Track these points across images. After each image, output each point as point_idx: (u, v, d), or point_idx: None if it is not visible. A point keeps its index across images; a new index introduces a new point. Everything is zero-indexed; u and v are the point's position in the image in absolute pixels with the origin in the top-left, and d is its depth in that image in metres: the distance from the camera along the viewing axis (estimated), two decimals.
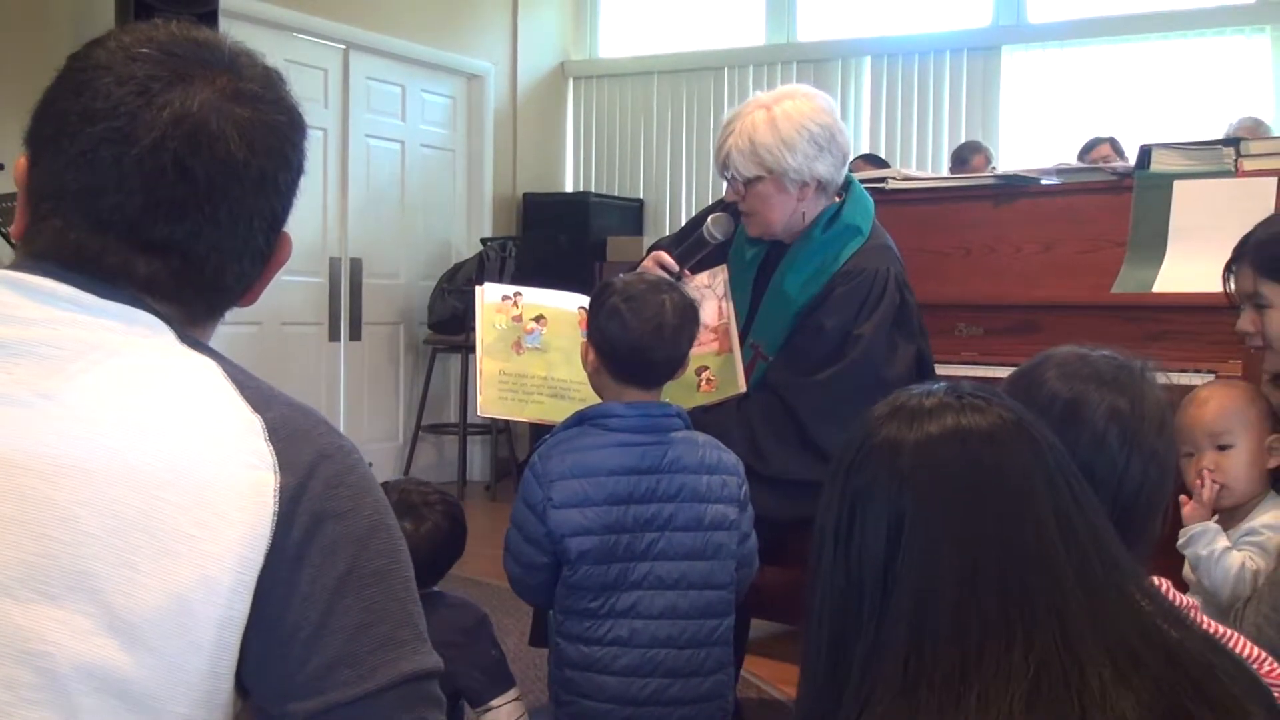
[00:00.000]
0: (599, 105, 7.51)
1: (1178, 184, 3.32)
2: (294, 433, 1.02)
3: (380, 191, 6.41)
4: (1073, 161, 4.65)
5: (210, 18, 4.65)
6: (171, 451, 0.96)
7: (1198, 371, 2.98)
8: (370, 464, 1.08)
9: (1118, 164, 3.86)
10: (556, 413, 2.49)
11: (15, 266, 1.04)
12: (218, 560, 0.95)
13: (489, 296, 2.69)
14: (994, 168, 5.25)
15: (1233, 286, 2.22)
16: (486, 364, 2.62)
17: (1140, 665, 0.99)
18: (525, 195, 7.18)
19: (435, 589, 2.21)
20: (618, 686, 2.12)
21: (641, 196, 7.34)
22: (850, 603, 1.05)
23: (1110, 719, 0.95)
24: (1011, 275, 3.59)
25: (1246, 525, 2.13)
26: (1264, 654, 1.30)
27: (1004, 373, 3.20)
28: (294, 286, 5.80)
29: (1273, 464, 2.16)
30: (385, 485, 2.22)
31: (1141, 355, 1.54)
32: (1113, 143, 5.34)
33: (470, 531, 2.29)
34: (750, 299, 2.75)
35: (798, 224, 2.70)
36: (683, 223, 7.12)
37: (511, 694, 2.19)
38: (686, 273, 2.73)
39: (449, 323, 6.36)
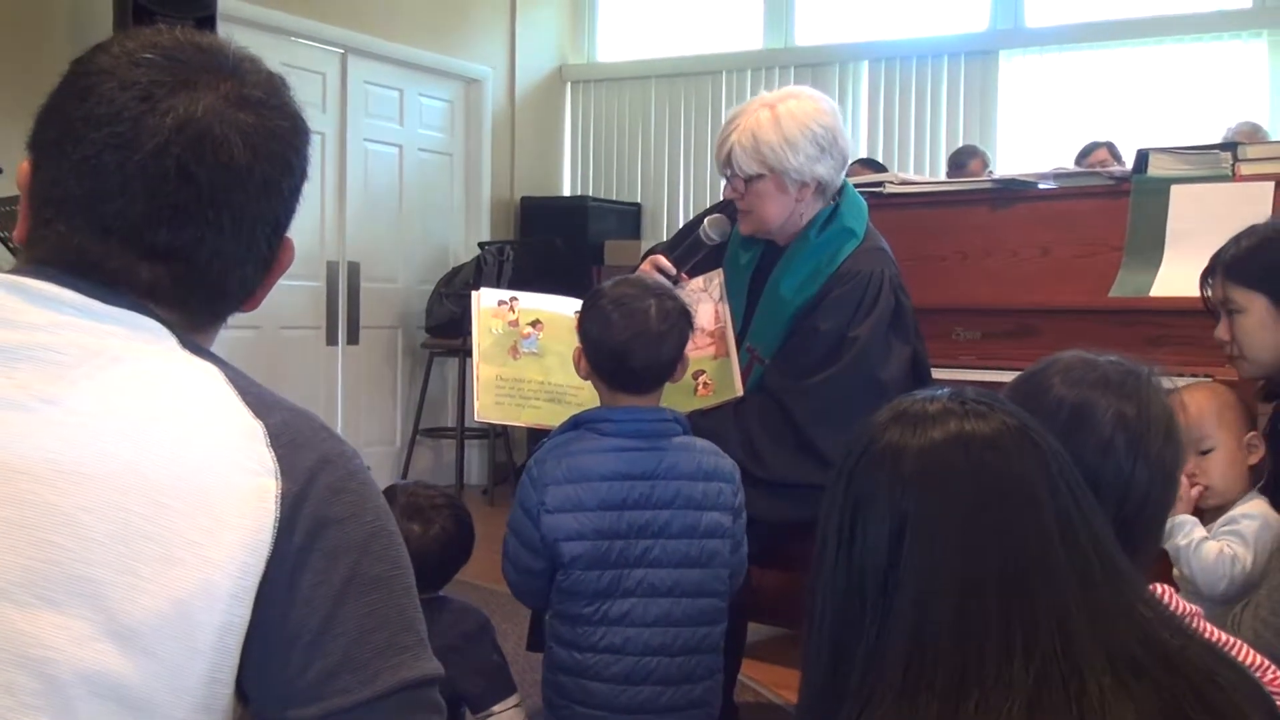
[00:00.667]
0: (597, 109, 7.51)
1: (1175, 188, 3.32)
2: (296, 439, 1.02)
3: (378, 196, 6.41)
4: (1070, 166, 4.66)
5: (208, 22, 4.65)
6: (173, 457, 0.96)
7: (1194, 376, 2.98)
8: (369, 468, 1.08)
9: (1115, 168, 3.86)
10: (554, 417, 2.49)
11: (18, 271, 1.04)
12: (219, 566, 0.95)
13: (485, 301, 2.69)
14: (991, 172, 5.25)
15: (1210, 295, 2.26)
16: (483, 369, 2.62)
17: (1140, 673, 0.99)
18: (523, 199, 7.18)
19: (440, 593, 2.21)
20: (610, 694, 2.12)
21: (639, 200, 7.34)
22: (852, 606, 1.05)
23: None
24: (1009, 279, 3.59)
25: (1225, 515, 2.15)
26: (1266, 662, 1.29)
27: (1001, 377, 3.20)
28: (292, 290, 5.80)
29: (1253, 461, 2.18)
30: (392, 488, 2.23)
31: (1145, 360, 1.54)
32: (1110, 147, 5.34)
33: None
34: (746, 303, 2.75)
35: (794, 225, 2.70)
36: (680, 227, 7.13)
37: (512, 700, 2.19)
38: (683, 275, 2.74)
39: (447, 327, 6.36)
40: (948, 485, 1.04)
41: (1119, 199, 3.44)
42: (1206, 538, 2.10)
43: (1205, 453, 2.16)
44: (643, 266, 2.78)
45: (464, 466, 6.45)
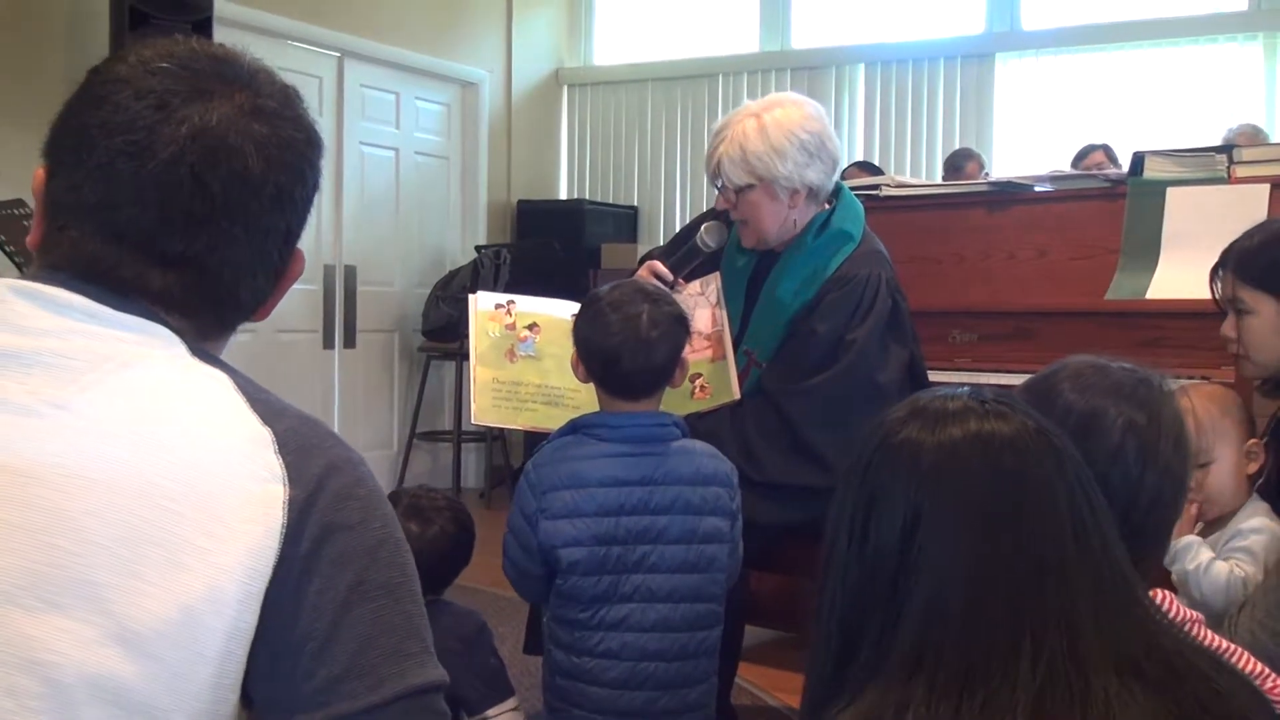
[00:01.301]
0: (593, 112, 7.51)
1: (1171, 191, 3.33)
2: (304, 445, 1.02)
3: (375, 199, 6.41)
4: (1066, 169, 4.66)
5: (205, 25, 4.65)
6: (182, 463, 0.97)
7: (1191, 378, 2.98)
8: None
9: (1111, 171, 3.87)
10: (551, 420, 2.49)
11: (31, 277, 1.05)
12: (226, 571, 0.95)
13: (482, 304, 2.69)
14: (988, 175, 5.25)
15: (1218, 292, 2.24)
16: (480, 372, 2.62)
17: (1145, 680, 0.99)
18: (520, 202, 7.18)
19: (441, 597, 2.21)
20: (607, 698, 2.12)
21: (636, 204, 7.35)
22: (862, 599, 1.05)
23: None
24: (1005, 282, 3.59)
25: (1232, 529, 2.13)
26: (1265, 669, 1.29)
27: (999, 379, 3.20)
28: (289, 294, 5.64)
29: (1251, 469, 2.16)
30: (397, 492, 2.22)
31: (1156, 368, 1.54)
32: (1106, 150, 5.34)
33: None
34: (743, 306, 2.75)
35: (789, 231, 2.70)
36: (677, 230, 7.14)
37: (509, 704, 2.19)
38: (680, 281, 2.74)
39: (443, 330, 6.36)
40: (964, 483, 1.04)
41: (1115, 201, 3.45)
42: (1214, 558, 2.08)
43: (1204, 465, 2.13)
44: (640, 272, 2.78)
45: (461, 470, 6.44)
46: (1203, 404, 2.19)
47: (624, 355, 2.14)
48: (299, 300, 5.91)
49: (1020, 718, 0.95)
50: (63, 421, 0.96)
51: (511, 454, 6.60)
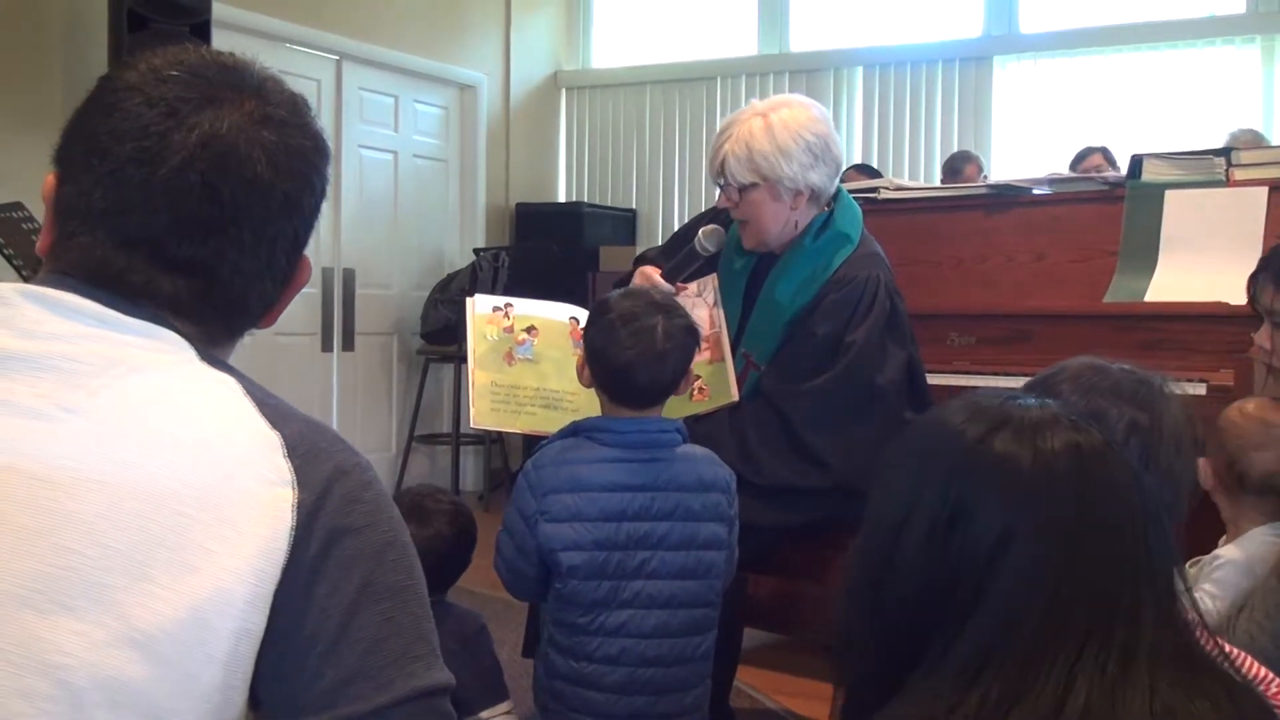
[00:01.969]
0: (592, 115, 7.52)
1: (1169, 194, 3.33)
2: (312, 449, 1.03)
3: (373, 202, 6.41)
4: (1065, 171, 4.67)
5: (203, 29, 4.65)
6: (191, 466, 0.97)
7: (1189, 381, 2.98)
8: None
9: (1109, 174, 3.87)
10: (550, 424, 2.48)
11: (40, 282, 1.06)
12: (235, 574, 0.96)
13: (480, 308, 2.69)
14: (986, 177, 5.26)
15: (1256, 297, 2.19)
16: (478, 375, 2.62)
17: (1193, 694, 0.99)
18: (518, 205, 7.18)
19: (444, 598, 2.21)
20: (606, 703, 2.12)
21: (634, 206, 7.35)
22: (935, 606, 1.03)
23: None
24: (1004, 285, 3.59)
25: (1208, 557, 2.11)
26: (1268, 673, 1.29)
27: (997, 382, 3.21)
28: None
29: None
30: (404, 491, 2.22)
31: (1157, 370, 1.53)
32: (1105, 153, 5.35)
33: None
34: (741, 308, 2.75)
35: (789, 233, 2.71)
36: (675, 231, 7.13)
37: (503, 707, 2.18)
38: (678, 284, 2.74)
39: (442, 333, 6.36)
40: (1060, 499, 1.02)
41: (1113, 204, 3.45)
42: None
43: None
44: (636, 277, 2.78)
45: (459, 472, 6.44)
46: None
47: (638, 369, 2.15)
48: (298, 303, 5.82)
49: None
50: (73, 425, 0.97)
51: (510, 457, 6.60)
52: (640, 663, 2.12)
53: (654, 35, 7.41)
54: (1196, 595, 2.02)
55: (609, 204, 7.32)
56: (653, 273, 2.76)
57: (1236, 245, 3.14)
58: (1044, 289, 3.51)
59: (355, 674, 0.99)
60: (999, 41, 6.34)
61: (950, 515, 1.03)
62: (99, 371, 1.00)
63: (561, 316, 2.71)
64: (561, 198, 7.52)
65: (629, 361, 2.15)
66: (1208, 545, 2.20)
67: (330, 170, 1.16)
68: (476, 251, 6.63)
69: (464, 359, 6.32)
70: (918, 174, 6.40)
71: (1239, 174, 3.26)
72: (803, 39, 6.96)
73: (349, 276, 6.23)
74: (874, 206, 3.64)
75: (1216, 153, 3.38)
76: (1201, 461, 2.09)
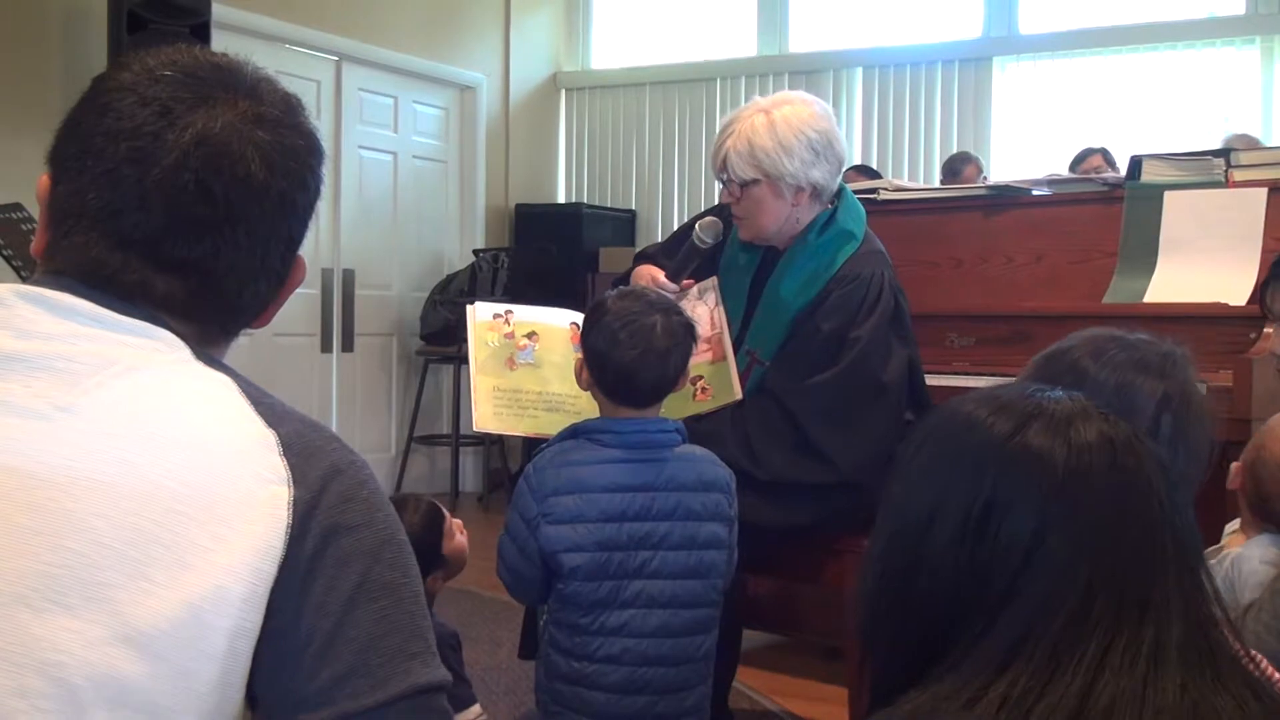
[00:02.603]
0: (591, 116, 7.52)
1: (1168, 195, 3.33)
2: (307, 448, 1.03)
3: (373, 203, 6.42)
4: (1064, 172, 4.67)
5: (203, 30, 4.65)
6: (187, 465, 0.98)
7: None
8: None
9: (1109, 175, 3.87)
10: (552, 426, 2.49)
11: (35, 282, 1.06)
12: (231, 572, 0.96)
13: (480, 315, 2.70)
14: (985, 178, 5.26)
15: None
16: (480, 381, 2.62)
17: (1220, 691, 0.98)
18: (517, 206, 7.18)
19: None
20: (607, 703, 2.12)
21: (634, 207, 7.35)
22: (968, 599, 1.02)
23: None
24: (1003, 286, 3.59)
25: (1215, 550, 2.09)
26: (1276, 672, 1.28)
27: (996, 383, 3.20)
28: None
29: None
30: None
31: (1174, 339, 1.50)
32: (1104, 154, 5.35)
33: None
34: (745, 305, 2.75)
35: (791, 229, 2.71)
36: (675, 231, 7.12)
37: (471, 712, 2.16)
38: (682, 281, 2.74)
39: (441, 334, 6.36)
40: (1094, 488, 1.01)
41: (1113, 205, 3.45)
42: None
43: None
44: (635, 274, 2.78)
45: (459, 474, 6.45)
46: None
47: (640, 369, 2.16)
48: (297, 304, 5.90)
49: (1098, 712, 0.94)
50: (69, 424, 0.97)
51: (510, 457, 6.60)
52: (641, 662, 2.12)
53: (653, 36, 7.42)
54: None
55: (608, 205, 7.32)
56: (653, 271, 2.76)
57: (1236, 246, 3.14)
58: (1043, 290, 3.51)
59: (351, 671, 0.99)
60: (998, 42, 6.34)
61: (982, 511, 1.02)
62: (94, 371, 1.00)
63: (562, 322, 2.71)
64: (561, 199, 7.52)
65: (631, 362, 2.15)
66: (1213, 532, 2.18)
67: (325, 169, 1.16)
68: (476, 252, 6.64)
69: (464, 360, 6.34)
70: (917, 175, 6.40)
71: (1238, 175, 3.26)
72: (802, 40, 6.96)
73: (348, 277, 6.23)
74: (873, 207, 3.63)
75: (1216, 154, 3.38)
76: (1234, 466, 2.08)
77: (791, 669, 3.51)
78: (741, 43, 7.12)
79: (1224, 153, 3.37)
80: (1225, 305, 3.03)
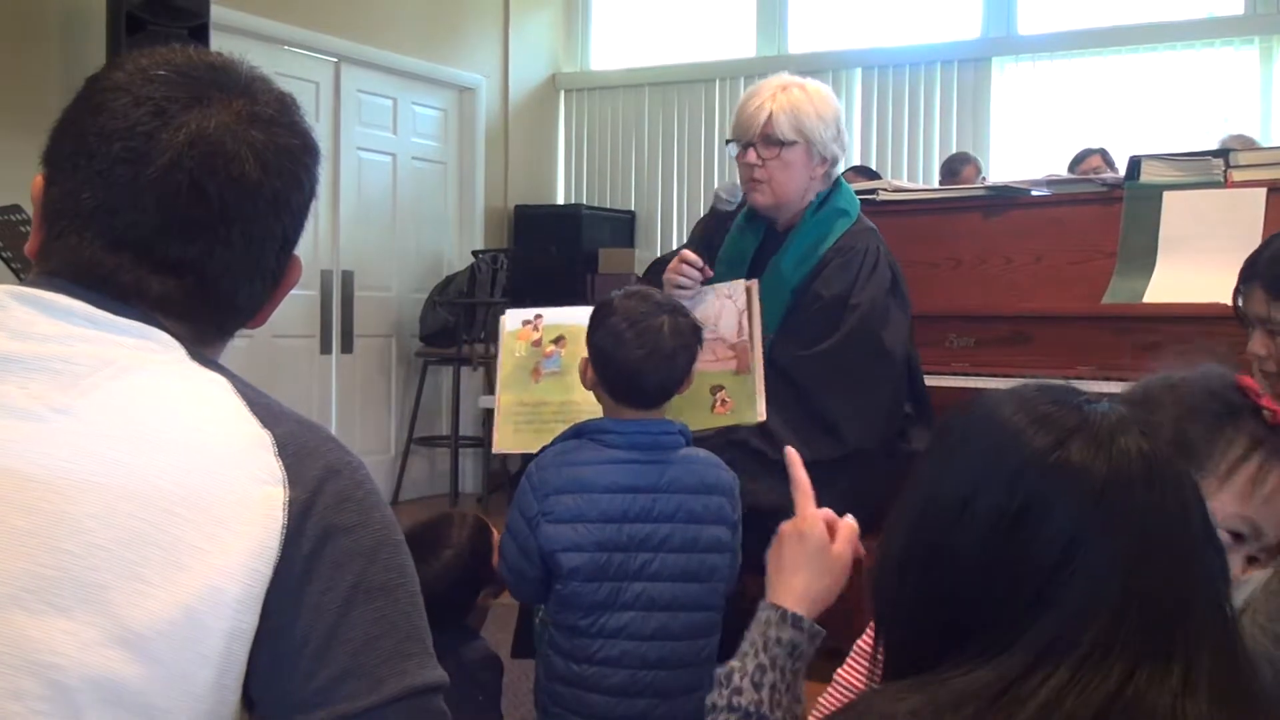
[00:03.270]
0: (590, 117, 7.52)
1: (1167, 195, 3.33)
2: (303, 448, 1.03)
3: (372, 204, 6.42)
4: (1063, 173, 4.67)
5: (201, 31, 4.65)
6: (182, 466, 0.97)
7: None
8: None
9: (1108, 175, 3.87)
10: None
11: (30, 283, 1.06)
12: (226, 573, 0.96)
13: (510, 324, 2.71)
14: (984, 179, 5.26)
15: (1243, 306, 2.14)
16: (504, 397, 2.63)
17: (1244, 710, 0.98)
18: (517, 207, 7.18)
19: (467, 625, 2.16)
20: (607, 705, 2.11)
21: (633, 208, 7.35)
22: (996, 601, 1.02)
23: None
24: (1002, 286, 3.59)
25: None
26: None
27: (995, 384, 3.20)
28: (286, 299, 5.77)
29: None
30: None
31: (1150, 369, 1.52)
32: (1103, 154, 5.35)
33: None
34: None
35: (800, 202, 2.79)
36: (674, 235, 7.14)
37: None
38: (707, 271, 2.76)
39: (440, 335, 6.36)
40: (1132, 505, 1.01)
41: (1112, 205, 3.45)
42: None
43: None
44: (672, 264, 2.78)
45: (458, 475, 6.44)
46: None
47: (647, 370, 2.15)
48: (296, 305, 5.91)
49: None
50: (64, 426, 0.97)
51: (509, 460, 6.60)
52: (641, 665, 2.11)
53: (652, 37, 7.42)
54: None
55: (607, 206, 7.32)
56: (683, 253, 2.78)
57: (1235, 246, 3.12)
58: (1042, 290, 3.51)
59: (347, 673, 0.99)
60: (997, 43, 6.35)
61: (1017, 514, 1.02)
62: (90, 372, 1.00)
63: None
64: (560, 200, 7.52)
65: (638, 363, 2.14)
66: None
67: (323, 170, 1.16)
68: (475, 254, 6.63)
69: (463, 361, 6.35)
70: (916, 175, 6.40)
71: (1237, 175, 3.26)
72: (801, 40, 6.96)
73: (347, 279, 6.23)
74: (872, 208, 3.63)
75: (1215, 154, 3.38)
76: None
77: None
78: (740, 43, 7.12)
79: (1223, 153, 3.37)
80: (1224, 306, 3.02)
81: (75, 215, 1.05)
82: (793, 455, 1.67)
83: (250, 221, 1.08)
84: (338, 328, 6.19)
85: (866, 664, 1.35)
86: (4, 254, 3.82)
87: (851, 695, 1.45)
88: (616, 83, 7.44)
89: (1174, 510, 1.02)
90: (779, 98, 2.74)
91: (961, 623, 1.03)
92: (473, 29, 6.98)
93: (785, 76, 2.82)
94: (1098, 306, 3.34)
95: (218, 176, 1.05)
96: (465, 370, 6.38)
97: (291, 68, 5.75)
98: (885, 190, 3.89)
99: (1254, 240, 3.11)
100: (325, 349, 6.14)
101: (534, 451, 2.41)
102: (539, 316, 2.71)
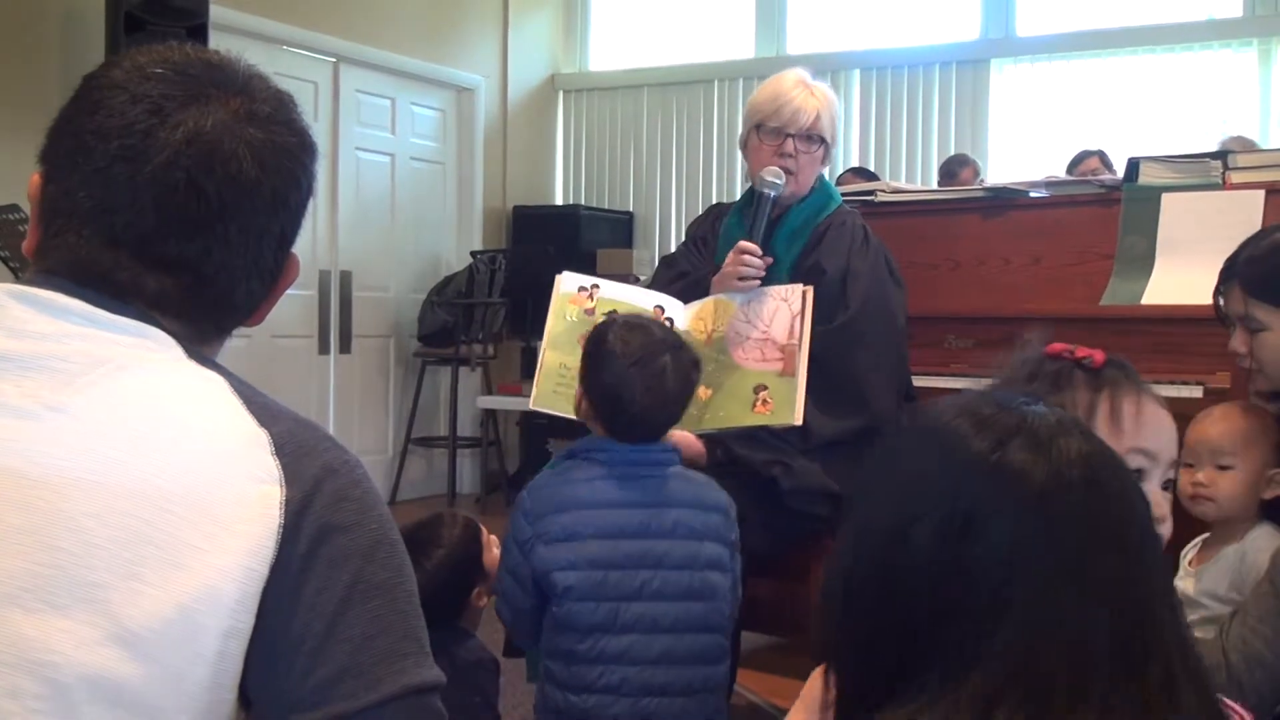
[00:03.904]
0: (589, 118, 7.52)
1: (1166, 197, 3.33)
2: (300, 447, 1.03)
3: (370, 205, 6.41)
4: (1061, 174, 4.67)
5: (200, 31, 4.65)
6: (179, 465, 0.97)
7: (1185, 384, 2.98)
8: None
9: (1106, 177, 3.87)
10: None
11: (27, 281, 1.06)
12: (223, 572, 0.96)
13: (566, 286, 2.72)
14: (983, 181, 5.26)
15: (1224, 305, 2.19)
16: (549, 355, 2.62)
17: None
18: (515, 208, 7.18)
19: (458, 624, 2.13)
20: None
21: (631, 209, 7.35)
22: (942, 620, 0.98)
23: None
24: (1000, 288, 3.59)
25: (1234, 554, 2.11)
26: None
27: (976, 386, 3.20)
28: (284, 299, 5.65)
29: (1269, 494, 2.13)
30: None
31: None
32: (1101, 156, 5.35)
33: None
34: None
35: (804, 191, 2.88)
36: (672, 235, 7.14)
37: None
38: (766, 259, 2.76)
39: (439, 335, 6.36)
40: (1072, 505, 0.98)
41: (1110, 207, 3.45)
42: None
43: (1223, 469, 2.11)
44: (730, 258, 2.77)
45: (456, 475, 6.44)
46: (1241, 418, 2.16)
47: (652, 414, 2.12)
48: (294, 305, 5.90)
49: None
50: (60, 424, 0.97)
51: (507, 460, 6.60)
52: (644, 693, 2.02)
53: (651, 38, 7.42)
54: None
55: (606, 207, 7.32)
56: (745, 244, 2.77)
57: (1233, 248, 3.13)
58: (1041, 292, 3.51)
59: (344, 672, 0.99)
60: (996, 44, 6.35)
61: (963, 521, 0.99)
62: (86, 370, 0.99)
63: (647, 304, 2.72)
64: (559, 200, 7.52)
65: (644, 411, 2.10)
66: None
67: (317, 167, 1.16)
68: (473, 254, 6.63)
69: (461, 362, 6.35)
70: (914, 177, 6.40)
71: (1235, 177, 3.26)
72: (800, 41, 6.96)
73: (346, 279, 6.23)
74: (871, 209, 3.63)
75: (1213, 156, 3.37)
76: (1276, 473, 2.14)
77: (791, 670, 3.50)
78: (739, 44, 7.12)
79: (1221, 155, 3.36)
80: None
81: (73, 214, 1.05)
82: None
83: (248, 220, 1.08)
84: (336, 328, 6.19)
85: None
86: (1, 253, 3.82)
87: None
88: (615, 83, 7.45)
89: (1117, 510, 1.00)
90: (817, 95, 2.83)
91: (913, 653, 0.99)
92: (472, 29, 6.98)
93: (799, 72, 2.90)
94: (1096, 308, 3.34)
95: (215, 175, 1.05)
96: (463, 370, 6.38)
97: (290, 68, 5.75)
98: (883, 192, 3.89)
99: None
100: (323, 349, 6.13)
101: (569, 416, 2.40)
102: (596, 286, 2.73)
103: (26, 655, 0.91)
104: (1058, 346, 1.58)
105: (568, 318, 2.66)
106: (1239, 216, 3.11)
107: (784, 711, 3.28)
